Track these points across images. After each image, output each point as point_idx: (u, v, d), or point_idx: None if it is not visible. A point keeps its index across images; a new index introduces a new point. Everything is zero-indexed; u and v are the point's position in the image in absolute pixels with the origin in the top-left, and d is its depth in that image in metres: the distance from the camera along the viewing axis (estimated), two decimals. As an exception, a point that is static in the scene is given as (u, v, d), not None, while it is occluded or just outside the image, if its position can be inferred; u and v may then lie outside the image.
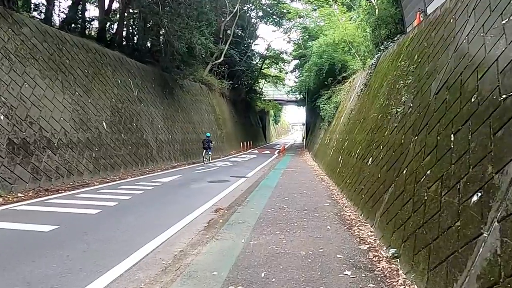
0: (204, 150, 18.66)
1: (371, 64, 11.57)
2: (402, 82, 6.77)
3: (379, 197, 5.47)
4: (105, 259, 4.23)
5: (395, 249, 3.97)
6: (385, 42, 11.08)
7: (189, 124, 21.16)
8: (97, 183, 10.51)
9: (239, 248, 4.42)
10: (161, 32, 18.63)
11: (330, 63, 19.47)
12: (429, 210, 3.59)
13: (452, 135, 3.77)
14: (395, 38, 10.05)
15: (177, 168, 15.86)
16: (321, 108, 20.34)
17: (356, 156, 8.61)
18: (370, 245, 4.50)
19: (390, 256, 3.94)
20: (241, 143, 32.29)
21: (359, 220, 5.84)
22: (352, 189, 7.64)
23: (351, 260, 3.98)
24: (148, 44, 21.17)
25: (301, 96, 33.85)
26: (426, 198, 3.79)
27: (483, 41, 3.91)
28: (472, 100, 3.58)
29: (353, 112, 11.97)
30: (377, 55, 11.25)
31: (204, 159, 18.64)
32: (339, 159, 11.16)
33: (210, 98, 26.96)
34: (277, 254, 4.20)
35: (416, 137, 4.92)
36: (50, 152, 9.65)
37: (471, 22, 4.51)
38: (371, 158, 7.00)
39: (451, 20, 5.34)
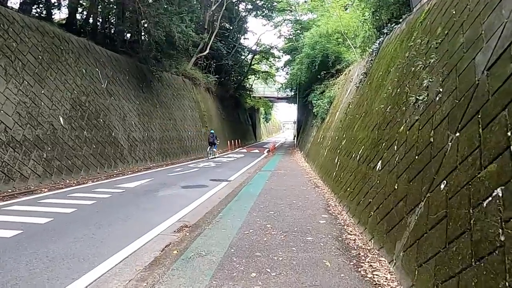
0: (209, 146, 20.44)
1: (371, 50, 9.98)
2: (421, 63, 5.18)
3: (399, 218, 3.86)
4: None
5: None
6: (388, 25, 9.52)
7: (169, 121, 19.30)
8: (46, 190, 8.71)
9: (186, 312, 2.75)
10: (140, 21, 16.80)
11: (323, 54, 17.81)
12: (520, 266, 1.98)
13: (547, 129, 2.16)
14: (401, 20, 8.49)
15: (151, 169, 14.05)
16: (313, 104, 18.67)
17: (358, 158, 6.99)
18: (395, 303, 2.88)
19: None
20: (229, 142, 30.52)
21: (369, 249, 4.21)
22: (355, 200, 6.03)
23: None
24: (127, 35, 19.31)
25: (292, 92, 32.17)
26: (503, 239, 2.18)
27: None
28: None
29: (351, 106, 10.38)
30: (380, 39, 9.66)
31: (208, 154, 20.33)
32: (336, 161, 9.55)
33: (194, 93, 25.08)
34: (246, 326, 2.55)
35: (458, 134, 3.32)
36: (-19, 152, 7.84)
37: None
38: (380, 162, 5.39)
39: (499, -30, 3.76)
